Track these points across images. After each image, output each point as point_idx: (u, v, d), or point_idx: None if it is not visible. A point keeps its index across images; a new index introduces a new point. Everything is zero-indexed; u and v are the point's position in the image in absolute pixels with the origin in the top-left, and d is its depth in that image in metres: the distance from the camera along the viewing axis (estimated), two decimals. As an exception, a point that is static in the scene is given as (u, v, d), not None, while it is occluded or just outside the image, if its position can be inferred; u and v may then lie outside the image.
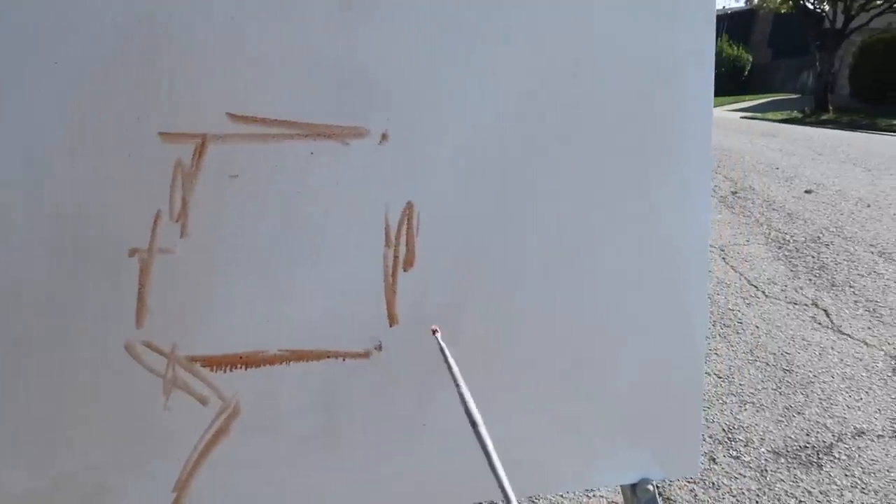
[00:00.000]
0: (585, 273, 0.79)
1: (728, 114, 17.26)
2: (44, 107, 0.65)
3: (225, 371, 0.71)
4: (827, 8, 15.71)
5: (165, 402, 0.70)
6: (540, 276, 0.78)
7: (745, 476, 2.02)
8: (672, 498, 1.93)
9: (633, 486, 0.82)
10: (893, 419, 2.30)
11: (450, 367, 0.70)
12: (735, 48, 26.03)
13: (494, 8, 0.74)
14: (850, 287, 3.54)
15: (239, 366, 0.71)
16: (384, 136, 0.72)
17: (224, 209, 0.70)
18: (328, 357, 0.74)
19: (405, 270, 0.75)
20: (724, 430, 2.28)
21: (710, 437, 2.24)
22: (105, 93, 0.66)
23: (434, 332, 0.75)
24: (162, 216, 0.68)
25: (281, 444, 0.74)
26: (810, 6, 16.20)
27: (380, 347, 0.75)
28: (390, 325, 0.75)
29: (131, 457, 0.71)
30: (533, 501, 1.86)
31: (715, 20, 0.81)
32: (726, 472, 2.04)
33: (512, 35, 0.75)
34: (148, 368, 0.69)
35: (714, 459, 2.11)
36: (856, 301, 3.35)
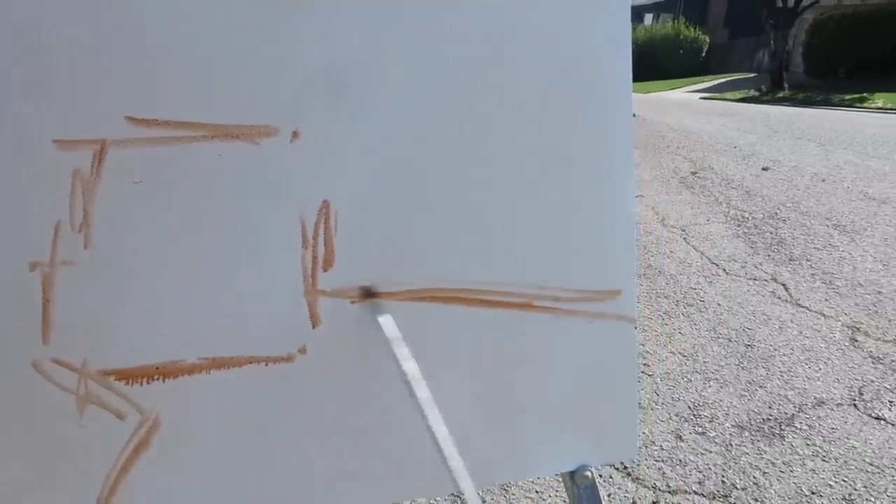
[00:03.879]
0: (511, 261, 0.78)
1: (687, 95, 17.50)
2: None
3: (141, 384, 0.69)
4: (779, -14, 15.97)
5: (80, 419, 0.68)
6: (463, 267, 0.77)
7: (711, 451, 2.05)
8: (640, 477, 1.95)
9: (572, 474, 0.81)
10: (851, 388, 2.36)
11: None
12: (692, 30, 26.35)
13: (405, -2, 0.72)
14: (808, 260, 3.61)
15: (156, 377, 0.69)
16: (295, 134, 0.70)
17: (129, 217, 0.67)
18: (250, 363, 0.72)
19: (325, 270, 0.73)
20: (689, 407, 2.31)
21: (677, 414, 2.26)
22: (-9, 102, 0.63)
23: None
24: (62, 227, 0.65)
25: (206, 455, 0.72)
26: (762, -15, 16.44)
27: (304, 350, 0.74)
28: (313, 327, 0.73)
29: (47, 477, 0.68)
30: (506, 489, 1.87)
31: (630, 3, 0.81)
32: (693, 449, 2.07)
33: (422, 24, 0.73)
34: (59, 385, 0.67)
35: (681, 437, 2.14)
36: (813, 274, 3.42)
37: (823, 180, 5.46)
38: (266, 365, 0.72)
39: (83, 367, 0.67)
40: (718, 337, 2.80)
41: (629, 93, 0.79)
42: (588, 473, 0.79)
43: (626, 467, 1.99)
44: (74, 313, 0.66)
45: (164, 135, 0.66)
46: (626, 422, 0.83)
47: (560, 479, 1.93)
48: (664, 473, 1.98)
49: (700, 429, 2.19)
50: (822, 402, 2.30)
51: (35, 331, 0.65)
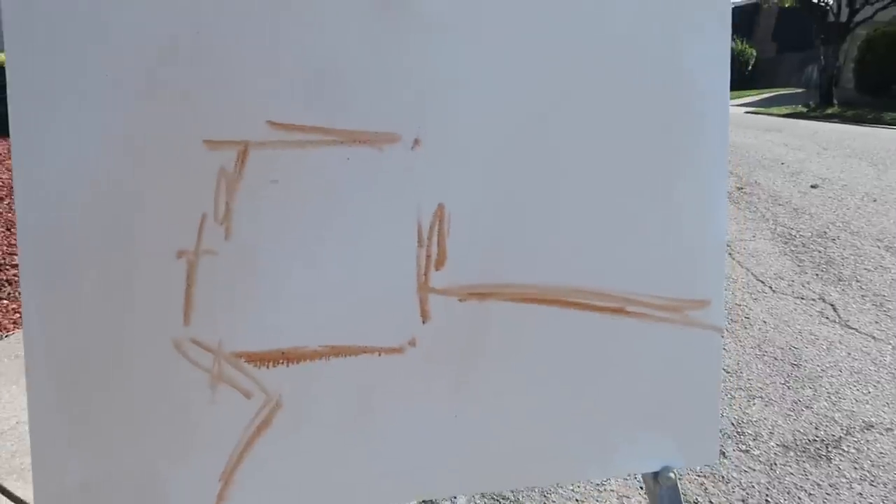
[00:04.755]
0: (607, 268, 0.83)
1: (733, 109, 17.20)
2: (95, 119, 0.69)
3: (268, 366, 0.75)
4: (831, 1, 15.64)
5: (212, 396, 0.74)
6: (563, 271, 0.82)
7: (754, 469, 2.04)
8: (683, 492, 1.95)
9: (655, 475, 0.85)
10: (902, 413, 2.32)
11: None
12: (739, 42, 25.94)
13: (521, 15, 0.77)
14: (857, 281, 3.56)
15: (281, 361, 0.75)
16: (416, 142, 0.76)
17: (265, 212, 0.73)
18: (364, 352, 0.78)
19: (437, 269, 0.78)
20: (733, 424, 2.30)
21: (720, 431, 2.25)
22: (153, 104, 0.70)
23: None
24: (207, 219, 0.72)
25: (320, 435, 0.78)
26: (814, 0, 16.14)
27: (413, 342, 0.79)
28: (423, 322, 0.79)
29: (180, 448, 0.74)
30: (545, 495, 1.89)
31: (730, 23, 0.85)
32: (736, 466, 2.06)
33: (537, 40, 0.78)
34: (195, 364, 0.73)
35: (724, 453, 2.13)
36: (863, 295, 3.37)
37: (875, 200, 5.35)
38: (379, 355, 0.78)
39: (218, 347, 0.73)
40: (764, 355, 2.78)
41: (726, 110, 0.83)
42: (671, 475, 0.83)
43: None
44: (213, 298, 0.73)
45: (299, 138, 0.72)
46: (708, 427, 0.87)
47: (599, 489, 1.95)
48: (706, 489, 1.98)
49: (743, 446, 2.18)
50: (871, 426, 2.27)
51: (178, 313, 0.72)
